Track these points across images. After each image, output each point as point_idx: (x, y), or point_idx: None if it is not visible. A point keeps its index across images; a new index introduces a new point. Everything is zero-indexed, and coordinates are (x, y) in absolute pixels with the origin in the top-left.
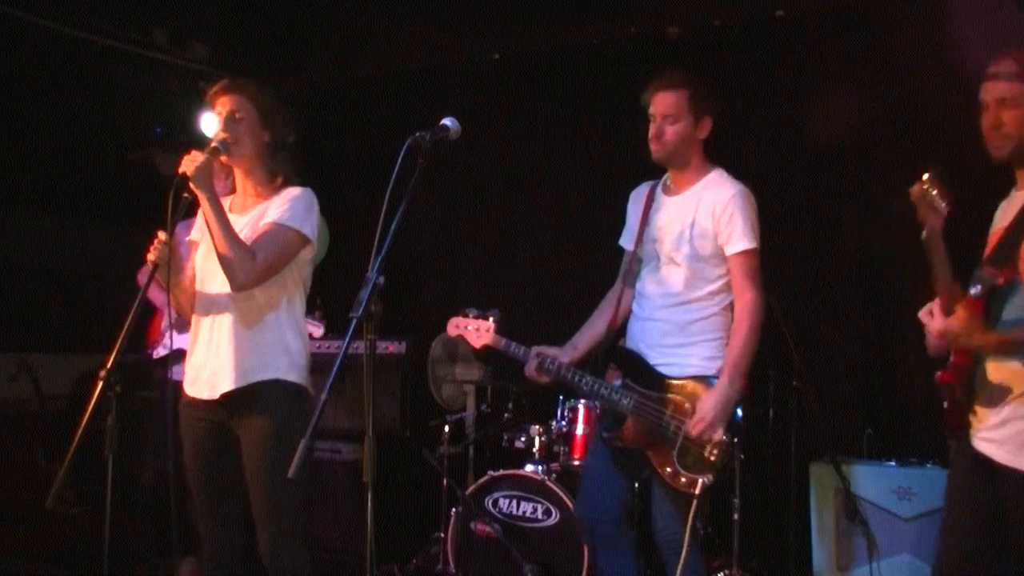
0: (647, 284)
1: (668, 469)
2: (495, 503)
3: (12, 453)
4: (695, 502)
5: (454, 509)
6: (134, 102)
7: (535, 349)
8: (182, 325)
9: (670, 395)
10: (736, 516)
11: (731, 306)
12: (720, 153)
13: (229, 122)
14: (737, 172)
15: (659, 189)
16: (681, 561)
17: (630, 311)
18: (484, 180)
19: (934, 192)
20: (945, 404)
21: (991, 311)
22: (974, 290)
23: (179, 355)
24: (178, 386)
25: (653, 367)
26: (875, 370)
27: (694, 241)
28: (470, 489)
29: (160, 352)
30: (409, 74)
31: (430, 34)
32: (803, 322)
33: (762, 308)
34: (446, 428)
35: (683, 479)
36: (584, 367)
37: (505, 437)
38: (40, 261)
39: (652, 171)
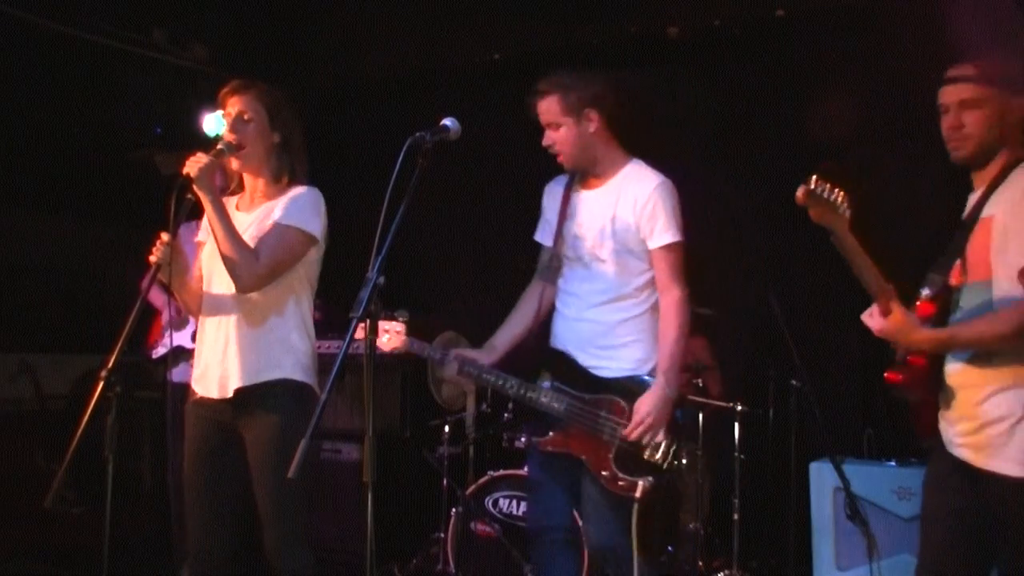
0: (573, 283)
1: (605, 473)
2: (495, 503)
3: (12, 453)
4: (635, 507)
5: (454, 509)
6: (134, 102)
7: (454, 352)
8: (179, 323)
9: (603, 396)
10: (736, 516)
11: (658, 304)
12: (720, 153)
13: (238, 124)
14: (737, 172)
15: (576, 183)
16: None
17: (552, 309)
18: (484, 179)
19: (827, 194)
20: (910, 410)
21: (945, 311)
22: (926, 291)
23: (177, 353)
24: (180, 387)
25: (584, 368)
26: (875, 370)
27: (617, 236)
28: (470, 489)
29: (160, 352)
30: (409, 74)
31: (430, 34)
32: (803, 322)
33: (688, 304)
34: (446, 428)
35: (622, 483)
36: (509, 369)
37: (505, 437)
38: (40, 261)
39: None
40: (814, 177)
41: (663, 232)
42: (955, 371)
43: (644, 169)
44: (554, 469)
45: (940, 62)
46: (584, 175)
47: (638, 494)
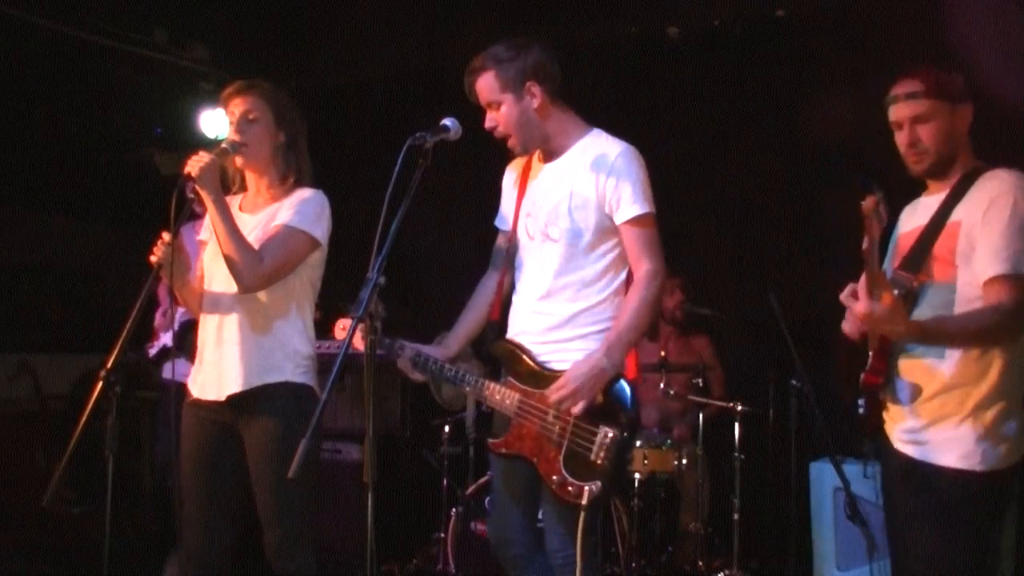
0: (525, 268)
1: (555, 477)
2: None
3: (12, 453)
4: (583, 514)
5: (454, 509)
6: (134, 102)
7: (409, 345)
8: (166, 324)
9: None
10: (736, 516)
11: (623, 289)
12: (720, 152)
13: (243, 124)
14: (737, 171)
15: (535, 158)
16: None
17: (509, 298)
18: (485, 179)
19: (881, 206)
20: (863, 405)
21: (909, 309)
22: (896, 292)
23: (166, 352)
24: (180, 387)
25: (539, 362)
26: None
27: (573, 213)
28: (470, 489)
29: (153, 351)
30: (409, 74)
31: (430, 34)
32: (803, 322)
33: (660, 280)
34: (446, 428)
35: (570, 488)
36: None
37: None
38: (40, 261)
39: (654, 172)
40: (879, 194)
41: (631, 204)
42: (907, 368)
43: (605, 138)
44: (512, 476)
45: (940, 61)
46: (541, 152)
47: (584, 501)
